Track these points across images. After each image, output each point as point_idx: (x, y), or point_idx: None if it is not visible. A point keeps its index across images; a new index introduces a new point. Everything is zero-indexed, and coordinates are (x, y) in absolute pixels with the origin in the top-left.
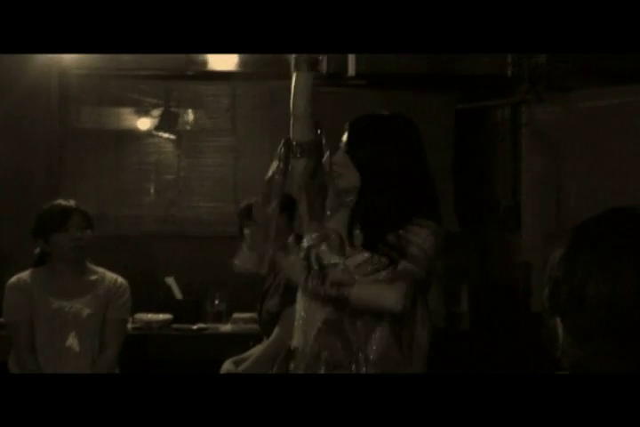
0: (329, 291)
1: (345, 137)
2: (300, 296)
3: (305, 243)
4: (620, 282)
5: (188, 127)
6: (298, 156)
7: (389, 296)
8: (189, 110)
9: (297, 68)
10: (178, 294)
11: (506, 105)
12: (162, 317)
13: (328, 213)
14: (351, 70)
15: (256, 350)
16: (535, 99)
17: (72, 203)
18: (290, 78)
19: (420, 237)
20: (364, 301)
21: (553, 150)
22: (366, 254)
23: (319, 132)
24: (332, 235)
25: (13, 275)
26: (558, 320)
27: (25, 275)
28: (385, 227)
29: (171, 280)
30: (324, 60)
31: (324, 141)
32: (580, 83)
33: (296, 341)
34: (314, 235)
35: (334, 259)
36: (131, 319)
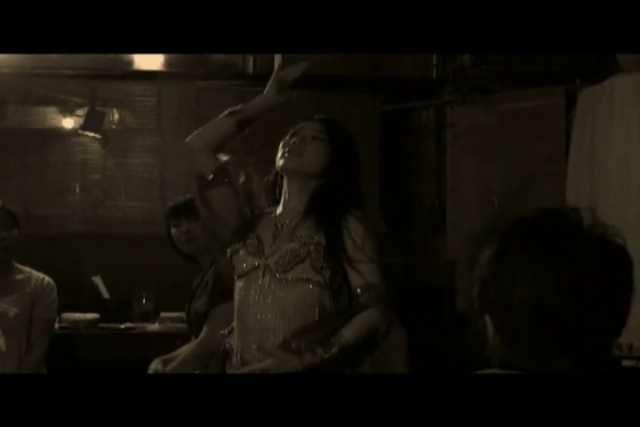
0: (326, 355)
1: (316, 127)
2: (240, 300)
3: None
4: (547, 283)
5: (114, 127)
6: (208, 187)
7: (372, 318)
8: (115, 110)
9: (228, 114)
10: (105, 294)
11: (430, 106)
12: (89, 316)
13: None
14: None
15: (184, 350)
16: (459, 100)
17: None
18: (215, 79)
19: (359, 237)
20: (357, 338)
21: (476, 151)
22: (287, 248)
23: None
24: (250, 238)
25: None
26: (488, 319)
27: None
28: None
29: (97, 280)
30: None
31: (230, 166)
32: (502, 85)
33: (235, 341)
34: (231, 245)
35: (253, 261)
36: (58, 319)
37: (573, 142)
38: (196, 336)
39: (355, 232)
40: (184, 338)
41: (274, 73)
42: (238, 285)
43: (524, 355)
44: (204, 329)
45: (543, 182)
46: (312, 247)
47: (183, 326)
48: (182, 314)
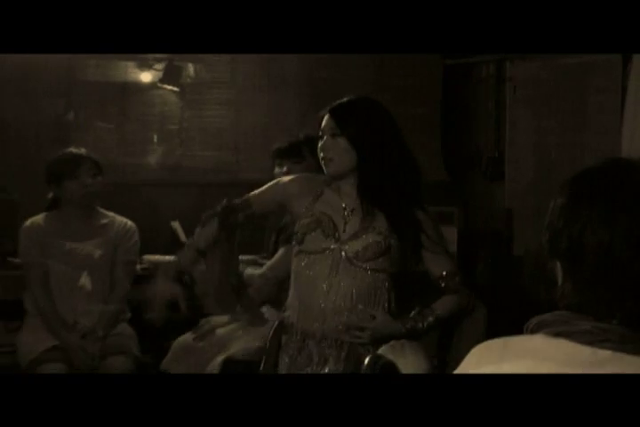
0: (425, 323)
1: (330, 123)
2: (307, 276)
3: (297, 229)
4: (619, 232)
5: (191, 80)
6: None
7: (460, 299)
8: (192, 64)
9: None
10: (183, 238)
11: (490, 61)
12: (168, 258)
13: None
14: None
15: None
16: (519, 55)
17: (82, 151)
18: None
19: (433, 231)
20: (448, 313)
21: (534, 104)
22: (370, 239)
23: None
24: (325, 219)
25: (27, 219)
26: (558, 264)
27: (39, 218)
28: (402, 205)
29: (176, 224)
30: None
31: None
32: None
33: (296, 315)
34: (304, 221)
35: (328, 243)
36: (139, 261)
37: (629, 95)
38: None
39: (428, 227)
40: None
41: None
42: (303, 260)
43: (594, 301)
44: (278, 254)
45: (599, 134)
46: (393, 241)
47: (258, 268)
48: (257, 257)
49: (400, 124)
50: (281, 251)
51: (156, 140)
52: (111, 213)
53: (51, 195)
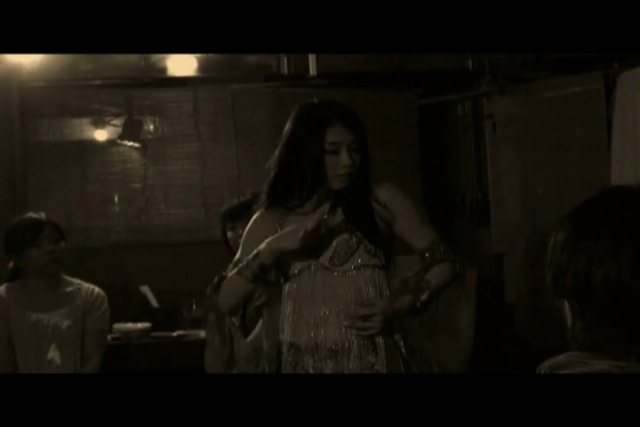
0: (423, 297)
1: (349, 137)
2: (291, 297)
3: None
4: (627, 265)
5: (152, 135)
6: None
7: (451, 268)
8: (152, 118)
9: (238, 272)
10: (154, 303)
11: (467, 98)
12: (140, 326)
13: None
14: (312, 70)
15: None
16: (496, 91)
17: (42, 216)
18: (250, 81)
19: (394, 205)
20: (444, 281)
21: (516, 141)
22: (336, 241)
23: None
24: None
25: None
26: (565, 303)
27: (0, 290)
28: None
29: (145, 289)
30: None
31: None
32: (539, 73)
33: (288, 339)
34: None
35: (302, 262)
36: (109, 330)
37: (615, 127)
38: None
39: (394, 203)
40: None
41: (309, 225)
42: (290, 285)
43: (608, 339)
44: (260, 324)
45: (586, 169)
46: (360, 234)
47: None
48: (233, 318)
49: (377, 169)
50: (261, 322)
51: (119, 199)
52: (77, 280)
53: (11, 264)
